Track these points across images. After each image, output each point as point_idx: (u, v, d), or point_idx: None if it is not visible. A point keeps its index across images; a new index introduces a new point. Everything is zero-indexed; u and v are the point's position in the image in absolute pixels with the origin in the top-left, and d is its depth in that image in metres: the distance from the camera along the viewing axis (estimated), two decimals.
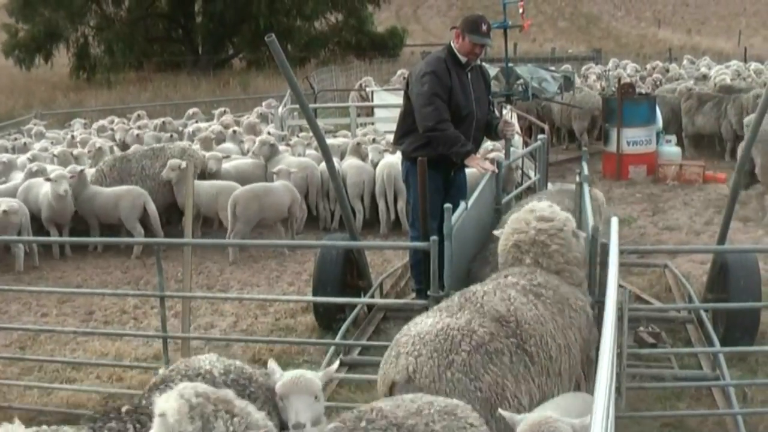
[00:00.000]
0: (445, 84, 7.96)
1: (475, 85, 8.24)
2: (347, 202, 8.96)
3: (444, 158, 7.99)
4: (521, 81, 17.77)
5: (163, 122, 19.13)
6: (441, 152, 7.97)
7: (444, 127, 7.93)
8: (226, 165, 13.79)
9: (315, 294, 8.72)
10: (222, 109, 21.73)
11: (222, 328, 9.40)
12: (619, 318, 5.10)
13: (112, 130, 18.72)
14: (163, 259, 7.69)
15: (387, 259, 11.42)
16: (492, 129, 8.58)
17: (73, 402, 7.26)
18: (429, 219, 7.31)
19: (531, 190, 10.98)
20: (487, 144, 12.06)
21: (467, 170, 8.62)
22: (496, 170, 8.32)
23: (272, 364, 4.48)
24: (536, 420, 3.87)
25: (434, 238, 5.92)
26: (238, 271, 11.64)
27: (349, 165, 13.38)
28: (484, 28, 8.00)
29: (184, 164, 12.48)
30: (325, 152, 8.30)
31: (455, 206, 6.23)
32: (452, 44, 8.16)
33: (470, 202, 6.95)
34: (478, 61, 8.43)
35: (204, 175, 13.23)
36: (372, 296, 9.00)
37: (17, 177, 13.67)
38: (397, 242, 11.71)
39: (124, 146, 16.70)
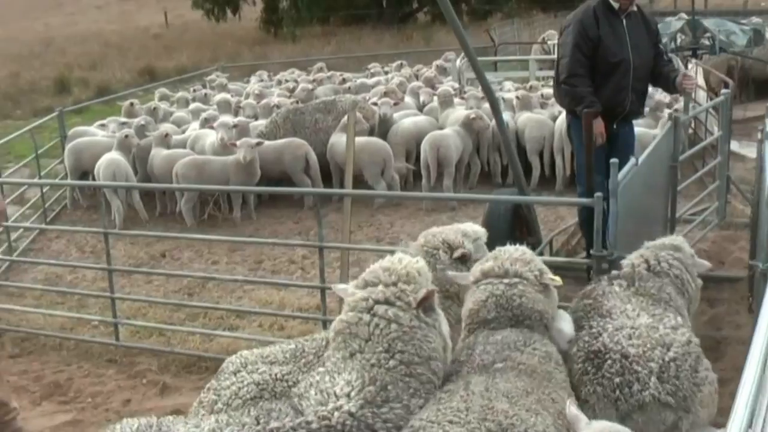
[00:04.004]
0: (591, 33, 7.66)
1: (632, 32, 7.81)
2: (515, 156, 8.63)
3: (605, 109, 7.60)
4: (708, 34, 17.03)
5: (343, 78, 19.09)
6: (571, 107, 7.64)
7: (574, 83, 7.67)
8: (405, 121, 13.56)
9: None
10: (399, 62, 21.59)
11: None
12: None
13: (296, 81, 18.76)
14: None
15: (560, 216, 11.09)
16: (670, 82, 8.07)
17: (233, 349, 7.12)
18: (594, 174, 6.97)
19: (714, 148, 10.43)
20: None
21: (637, 128, 8.19)
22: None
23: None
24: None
25: (599, 194, 5.58)
26: (408, 224, 11.52)
27: (528, 118, 13.06)
28: None
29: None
30: (494, 106, 8.11)
31: (623, 161, 5.85)
32: None
33: (642, 157, 6.54)
34: (635, 8, 7.91)
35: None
36: (541, 253, 8.63)
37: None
38: (561, 198, 11.29)
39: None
